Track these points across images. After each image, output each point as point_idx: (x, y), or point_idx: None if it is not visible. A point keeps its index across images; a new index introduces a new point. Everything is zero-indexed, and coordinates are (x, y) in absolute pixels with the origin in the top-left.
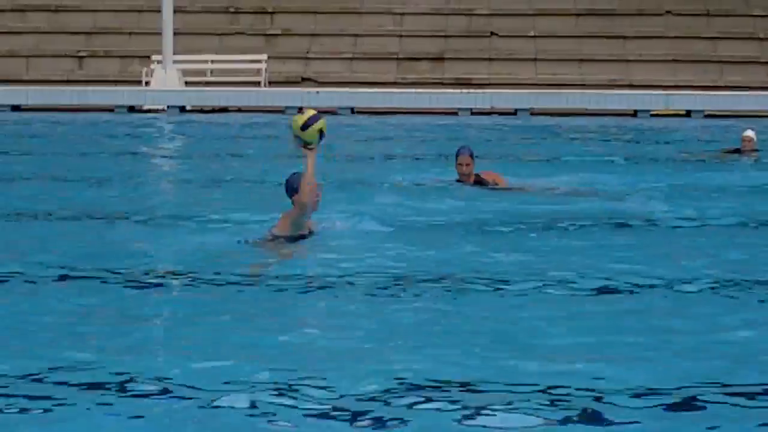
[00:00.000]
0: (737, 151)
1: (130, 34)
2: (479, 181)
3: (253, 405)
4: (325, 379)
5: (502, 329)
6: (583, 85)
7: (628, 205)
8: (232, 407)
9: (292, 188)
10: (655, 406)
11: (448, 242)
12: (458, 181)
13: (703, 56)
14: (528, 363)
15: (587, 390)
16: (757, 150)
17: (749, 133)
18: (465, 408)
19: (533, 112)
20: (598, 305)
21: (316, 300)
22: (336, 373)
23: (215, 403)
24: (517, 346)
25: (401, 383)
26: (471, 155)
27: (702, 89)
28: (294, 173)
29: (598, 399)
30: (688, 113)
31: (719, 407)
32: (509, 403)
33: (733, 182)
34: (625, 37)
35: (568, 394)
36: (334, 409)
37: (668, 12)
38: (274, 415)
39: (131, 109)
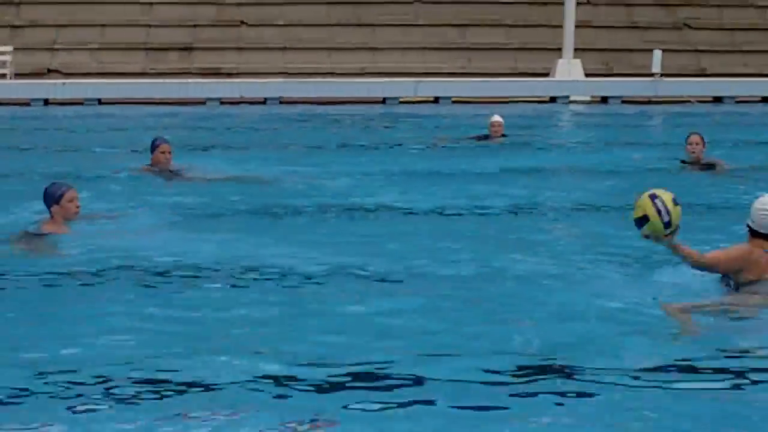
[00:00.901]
0: (486, 137)
1: None
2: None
3: None
4: None
5: None
6: (333, 74)
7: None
8: None
9: (52, 198)
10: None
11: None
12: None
13: (451, 43)
14: None
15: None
16: (504, 135)
17: (497, 117)
18: None
19: (283, 101)
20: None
21: None
22: None
23: None
24: None
25: None
26: (167, 143)
27: (450, 76)
28: (53, 183)
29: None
30: (436, 100)
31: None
32: None
33: (483, 168)
34: (374, 25)
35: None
36: None
37: (417, 0)
38: None
39: None
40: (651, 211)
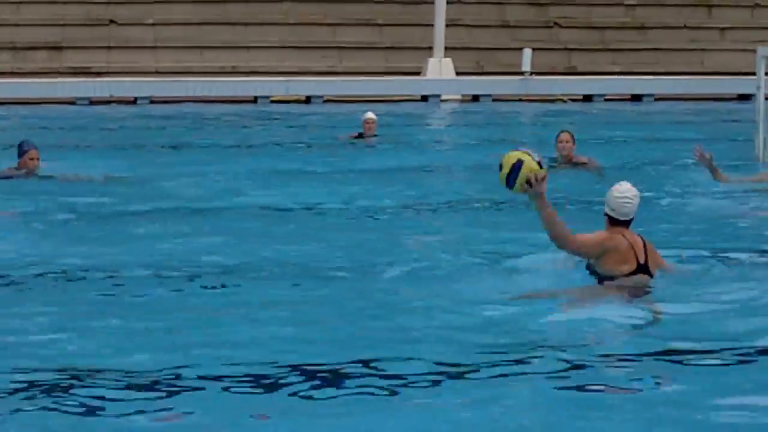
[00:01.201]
0: (360, 135)
1: None
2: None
3: None
4: None
5: None
6: (204, 73)
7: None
8: None
9: None
10: None
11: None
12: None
13: (322, 42)
14: None
15: None
16: (376, 135)
17: (370, 115)
18: None
19: (153, 101)
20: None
21: None
22: None
23: None
24: None
25: None
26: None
27: (322, 75)
28: None
29: None
30: (308, 99)
31: None
32: None
33: (354, 167)
34: (246, 24)
35: None
36: None
37: None
38: None
39: None
40: (522, 156)
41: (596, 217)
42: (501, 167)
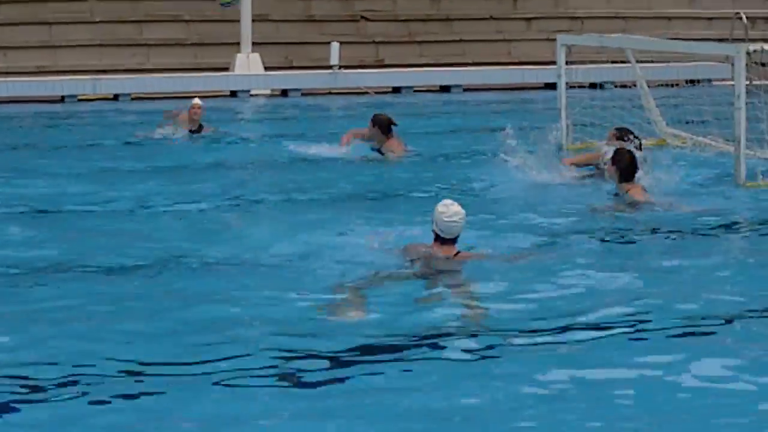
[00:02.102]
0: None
1: None
2: None
3: None
4: None
5: None
6: (8, 73)
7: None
8: None
9: None
10: None
11: None
12: None
13: (129, 40)
14: None
15: None
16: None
17: (197, 101)
18: None
19: None
20: None
21: None
22: None
23: None
24: None
25: None
26: None
27: (129, 73)
28: None
29: None
30: (115, 97)
31: None
32: None
33: (165, 163)
34: (50, 23)
35: None
36: None
37: None
38: None
39: None
40: None
41: (405, 206)
42: None
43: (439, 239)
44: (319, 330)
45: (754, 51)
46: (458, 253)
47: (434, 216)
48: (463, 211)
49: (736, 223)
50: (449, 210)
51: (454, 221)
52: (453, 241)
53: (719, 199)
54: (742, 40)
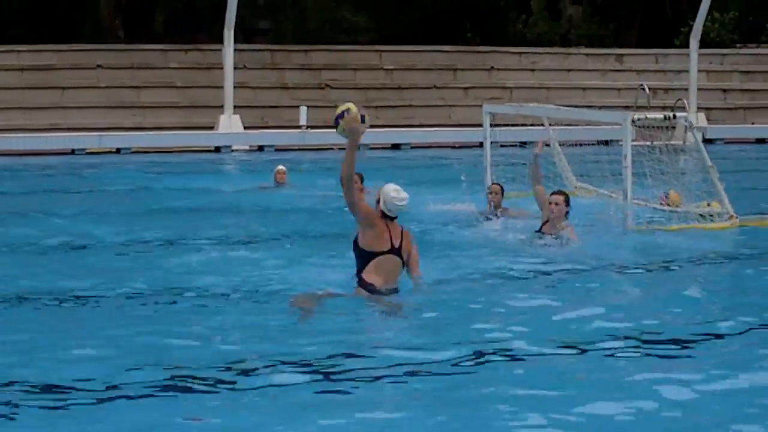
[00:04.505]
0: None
1: None
2: None
3: None
4: None
5: None
6: (26, 129)
7: None
8: None
9: None
10: None
11: None
12: None
13: (129, 102)
14: None
15: None
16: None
17: (281, 167)
18: None
19: None
20: None
21: None
22: None
23: None
24: None
25: None
26: None
27: (130, 130)
28: None
29: None
30: (118, 150)
31: None
32: None
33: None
34: (63, 88)
35: None
36: None
37: (99, 66)
38: None
39: None
40: (351, 106)
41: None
42: (340, 107)
43: (383, 214)
44: (291, 339)
45: (638, 119)
46: (403, 229)
47: (384, 197)
48: (407, 195)
49: (621, 261)
50: (400, 195)
51: (402, 204)
52: (393, 218)
53: (609, 241)
54: (646, 107)
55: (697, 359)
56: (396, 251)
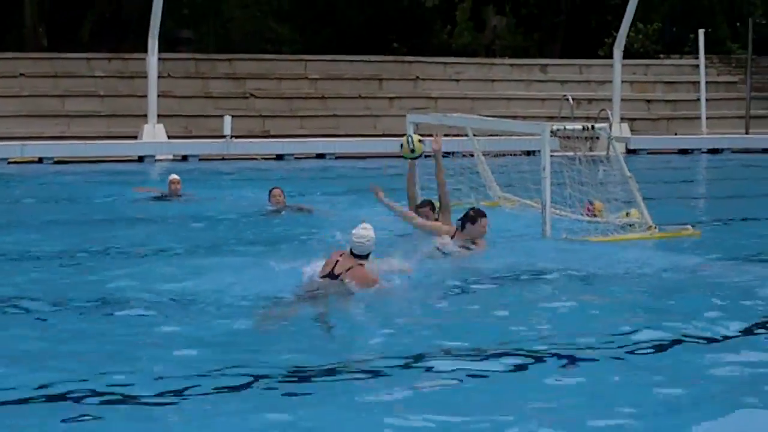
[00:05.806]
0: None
1: None
2: None
3: None
4: None
5: None
6: None
7: None
8: None
9: None
10: None
11: None
12: None
13: (52, 111)
14: None
15: None
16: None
17: (175, 176)
18: None
19: None
20: None
21: None
22: None
23: None
24: None
25: None
26: None
27: (52, 139)
28: None
29: None
30: (40, 160)
31: None
32: None
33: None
34: None
35: None
36: None
37: (21, 74)
38: None
39: None
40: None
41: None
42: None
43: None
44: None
45: (557, 129)
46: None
47: (352, 234)
48: (373, 235)
49: (542, 268)
50: (359, 232)
51: (359, 242)
52: (365, 257)
53: (526, 249)
54: (568, 118)
55: (601, 366)
56: (332, 275)
